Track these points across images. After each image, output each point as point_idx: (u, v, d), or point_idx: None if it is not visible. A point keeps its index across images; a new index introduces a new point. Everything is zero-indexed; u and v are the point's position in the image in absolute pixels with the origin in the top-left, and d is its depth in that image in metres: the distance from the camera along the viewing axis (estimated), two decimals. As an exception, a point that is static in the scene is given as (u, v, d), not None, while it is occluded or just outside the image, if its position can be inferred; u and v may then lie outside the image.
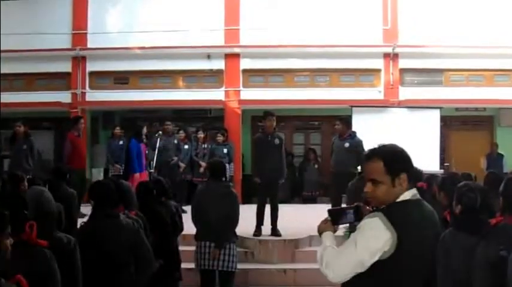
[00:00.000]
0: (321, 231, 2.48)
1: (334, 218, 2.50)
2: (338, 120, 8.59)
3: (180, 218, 5.80)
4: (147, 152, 10.13)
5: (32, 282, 2.47)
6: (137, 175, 9.83)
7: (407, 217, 2.27)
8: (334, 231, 2.49)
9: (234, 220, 5.51)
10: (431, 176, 4.14)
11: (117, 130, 11.01)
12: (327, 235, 2.46)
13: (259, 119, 8.12)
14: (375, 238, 2.22)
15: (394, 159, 2.35)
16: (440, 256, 2.96)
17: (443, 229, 3.30)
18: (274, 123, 7.60)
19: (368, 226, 2.26)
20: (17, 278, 2.30)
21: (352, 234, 2.30)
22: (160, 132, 10.07)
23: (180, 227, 5.75)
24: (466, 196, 3.21)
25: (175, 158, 10.14)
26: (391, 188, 2.32)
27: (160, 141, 9.86)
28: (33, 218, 2.80)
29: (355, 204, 2.53)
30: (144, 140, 10.15)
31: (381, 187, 2.33)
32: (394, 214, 2.25)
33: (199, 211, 5.51)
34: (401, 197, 2.33)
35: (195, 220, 5.57)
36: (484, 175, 6.09)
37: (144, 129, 10.26)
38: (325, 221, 2.50)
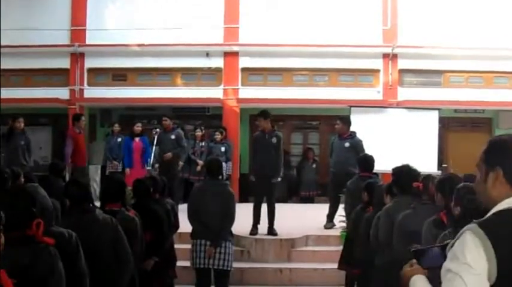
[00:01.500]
0: (408, 276, 1.94)
1: (421, 259, 1.98)
2: (338, 120, 8.55)
3: (176, 216, 5.79)
4: (153, 149, 10.05)
5: (34, 279, 2.46)
6: (127, 170, 9.83)
7: (506, 232, 1.66)
8: (426, 274, 1.93)
9: (230, 218, 5.48)
10: (428, 177, 4.12)
11: (116, 127, 11.02)
12: (419, 280, 1.90)
13: (257, 117, 8.09)
14: (471, 261, 1.63)
15: (497, 146, 1.83)
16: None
17: (439, 230, 3.29)
18: (268, 123, 7.54)
19: (460, 246, 1.67)
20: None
21: (446, 264, 1.71)
22: (157, 129, 9.96)
23: (175, 225, 5.74)
24: (465, 198, 3.18)
25: (169, 153, 9.67)
26: (483, 183, 1.82)
27: (157, 137, 9.76)
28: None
29: (446, 242, 1.95)
30: (137, 137, 10.04)
31: (479, 176, 1.86)
32: (490, 226, 1.68)
33: (196, 209, 5.48)
34: (500, 206, 1.75)
35: (191, 218, 5.54)
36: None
37: (137, 127, 10.13)
38: (410, 265, 1.98)
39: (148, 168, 9.79)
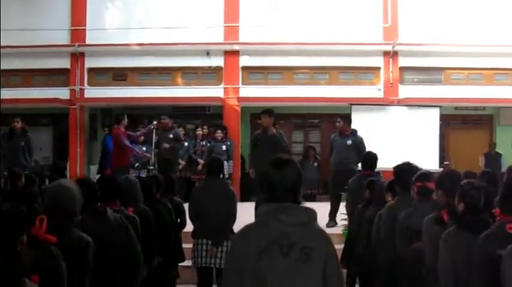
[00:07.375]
0: None
1: None
2: (339, 118, 8.53)
3: (183, 213, 5.80)
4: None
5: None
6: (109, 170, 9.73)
7: None
8: None
9: (232, 217, 5.47)
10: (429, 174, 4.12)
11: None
12: None
13: (259, 116, 8.09)
14: None
15: None
16: (444, 254, 2.95)
17: (441, 228, 3.29)
18: (271, 121, 7.53)
19: None
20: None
21: None
22: (154, 122, 9.72)
23: (182, 222, 5.76)
24: (469, 194, 3.17)
25: (167, 145, 9.68)
26: None
27: (155, 137, 9.72)
28: (47, 213, 2.74)
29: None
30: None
31: None
32: None
33: (197, 209, 5.49)
34: None
35: (193, 217, 5.55)
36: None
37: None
38: None
39: (150, 167, 9.76)
